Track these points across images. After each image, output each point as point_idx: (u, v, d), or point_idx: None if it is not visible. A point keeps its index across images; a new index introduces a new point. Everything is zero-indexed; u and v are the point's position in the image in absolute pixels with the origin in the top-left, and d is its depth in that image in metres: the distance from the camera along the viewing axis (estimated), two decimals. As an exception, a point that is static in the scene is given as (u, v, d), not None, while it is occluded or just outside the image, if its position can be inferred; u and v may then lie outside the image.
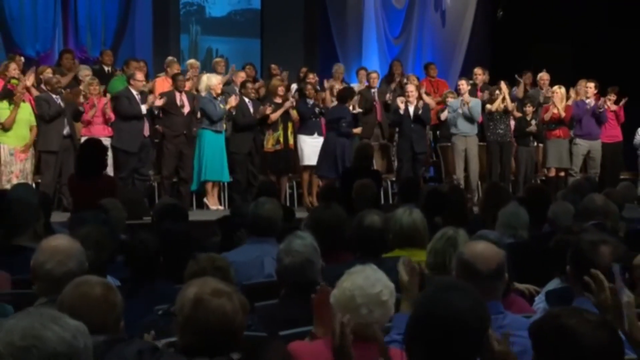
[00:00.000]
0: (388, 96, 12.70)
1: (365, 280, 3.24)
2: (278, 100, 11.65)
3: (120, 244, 5.75)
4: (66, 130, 10.62)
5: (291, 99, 11.72)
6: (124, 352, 2.96)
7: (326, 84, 12.69)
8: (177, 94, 11.17)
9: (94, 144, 8.11)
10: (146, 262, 4.53)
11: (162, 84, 11.66)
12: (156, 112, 11.09)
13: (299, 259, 4.14)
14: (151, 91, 11.33)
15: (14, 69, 10.69)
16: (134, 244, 4.71)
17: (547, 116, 12.55)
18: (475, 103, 12.30)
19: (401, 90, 12.67)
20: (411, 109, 12.00)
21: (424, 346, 2.52)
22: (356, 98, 12.28)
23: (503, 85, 12.43)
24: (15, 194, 6.73)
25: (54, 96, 10.60)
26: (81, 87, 11.17)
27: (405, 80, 13.08)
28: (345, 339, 2.92)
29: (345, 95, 11.89)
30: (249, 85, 11.74)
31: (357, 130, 11.99)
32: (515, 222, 5.92)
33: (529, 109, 12.65)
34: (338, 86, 12.22)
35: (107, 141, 10.33)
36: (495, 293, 3.47)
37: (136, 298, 4.09)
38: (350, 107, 11.90)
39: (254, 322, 3.78)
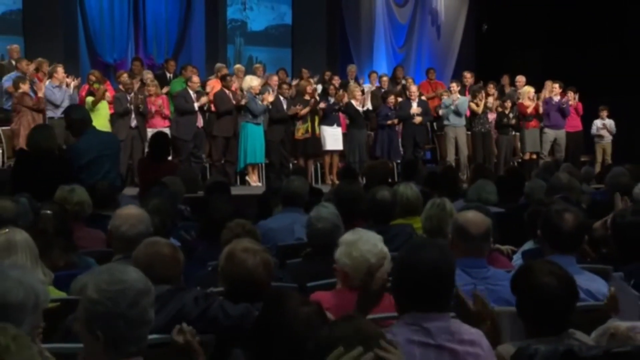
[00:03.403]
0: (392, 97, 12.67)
1: (367, 244, 3.17)
2: (307, 97, 11.64)
3: (180, 212, 5.79)
4: (134, 123, 10.71)
5: (316, 100, 11.64)
6: (183, 299, 2.97)
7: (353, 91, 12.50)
8: (226, 92, 11.18)
9: (163, 136, 8.17)
10: (220, 224, 4.43)
11: (214, 85, 11.67)
12: (205, 108, 11.14)
13: (329, 225, 4.11)
14: (207, 92, 11.33)
15: (93, 77, 10.79)
16: (210, 212, 4.66)
17: (529, 110, 12.56)
18: (462, 101, 12.35)
19: (403, 90, 12.70)
20: (414, 105, 12.12)
21: (407, 292, 2.53)
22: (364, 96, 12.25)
23: (489, 97, 12.50)
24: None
25: (127, 96, 10.67)
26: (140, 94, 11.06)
27: (403, 82, 13.17)
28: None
29: (384, 96, 12.16)
30: (285, 86, 11.75)
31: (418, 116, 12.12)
32: (483, 189, 5.90)
33: (508, 104, 12.64)
34: (357, 90, 12.11)
35: (166, 131, 10.37)
36: (482, 252, 3.46)
37: (212, 254, 3.91)
38: (357, 103, 11.89)
39: (285, 276, 3.78)
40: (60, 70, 10.39)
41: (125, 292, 2.10)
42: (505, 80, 13.72)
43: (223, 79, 11.35)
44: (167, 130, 10.51)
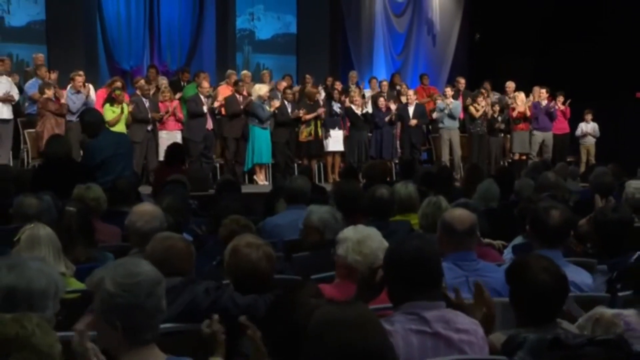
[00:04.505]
0: (391, 102, 12.66)
1: (375, 241, 3.17)
2: (311, 103, 11.65)
3: (192, 209, 5.79)
4: (150, 127, 10.70)
5: (322, 109, 11.63)
6: (195, 290, 2.97)
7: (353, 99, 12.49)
8: (237, 96, 11.20)
9: (177, 146, 8.29)
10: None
11: (224, 90, 11.69)
12: (216, 111, 11.14)
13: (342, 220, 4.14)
14: (215, 96, 11.34)
15: (119, 84, 10.77)
16: (219, 209, 4.66)
17: (514, 114, 12.55)
18: (455, 104, 12.34)
19: (397, 95, 12.80)
20: (410, 109, 12.16)
21: (397, 282, 2.53)
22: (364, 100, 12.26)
23: (482, 101, 12.44)
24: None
25: (143, 99, 10.67)
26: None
27: (397, 87, 13.21)
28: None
29: (374, 100, 12.22)
30: (288, 91, 11.80)
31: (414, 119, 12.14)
32: (488, 195, 5.89)
33: (496, 108, 12.64)
34: (357, 94, 12.11)
35: (177, 134, 10.58)
36: (469, 246, 3.45)
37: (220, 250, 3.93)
38: (357, 107, 11.90)
39: (287, 268, 3.78)
40: (78, 78, 10.38)
41: (141, 283, 2.11)
42: (487, 86, 13.68)
43: (235, 84, 11.40)
44: (179, 133, 10.65)
